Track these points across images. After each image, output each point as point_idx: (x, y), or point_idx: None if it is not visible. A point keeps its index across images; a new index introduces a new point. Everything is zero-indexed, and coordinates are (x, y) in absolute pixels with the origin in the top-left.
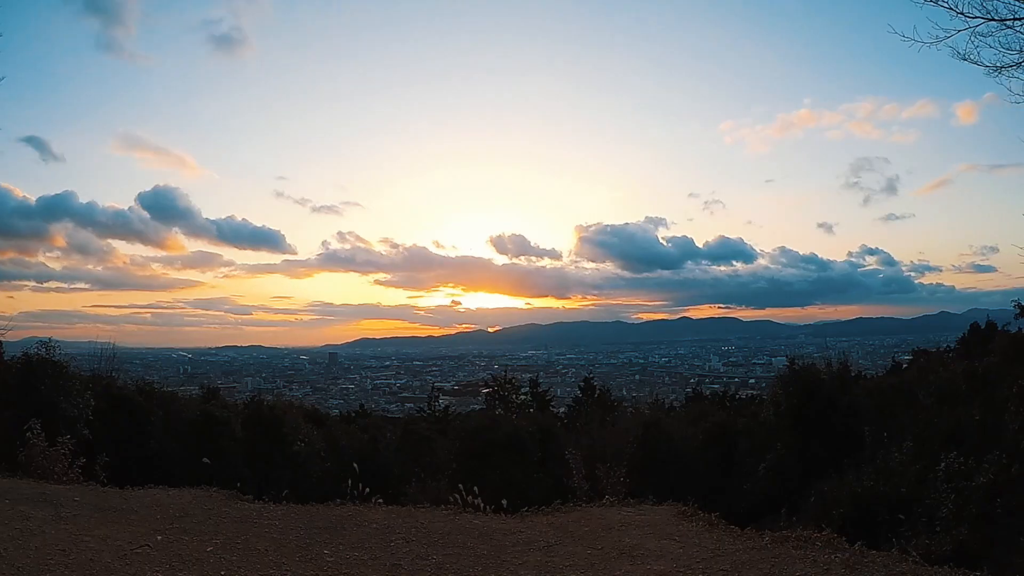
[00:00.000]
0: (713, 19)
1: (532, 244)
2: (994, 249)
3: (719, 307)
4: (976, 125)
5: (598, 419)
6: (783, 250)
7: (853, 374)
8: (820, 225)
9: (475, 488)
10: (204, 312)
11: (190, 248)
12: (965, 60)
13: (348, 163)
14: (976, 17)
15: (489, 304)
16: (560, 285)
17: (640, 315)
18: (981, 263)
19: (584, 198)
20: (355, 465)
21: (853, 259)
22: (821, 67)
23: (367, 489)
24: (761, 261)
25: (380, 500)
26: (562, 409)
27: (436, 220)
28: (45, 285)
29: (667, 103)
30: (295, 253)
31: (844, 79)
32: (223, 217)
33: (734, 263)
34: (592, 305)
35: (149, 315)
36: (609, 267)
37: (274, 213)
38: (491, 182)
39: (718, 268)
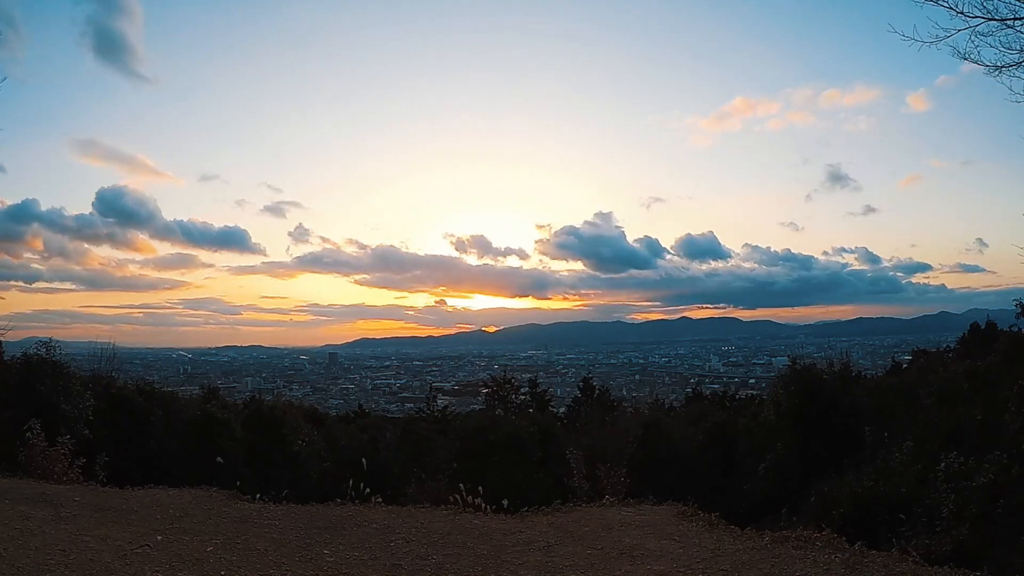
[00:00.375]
0: (636, 11)
1: (494, 245)
2: (981, 244)
3: (703, 307)
4: (931, 112)
5: (598, 419)
6: (755, 248)
7: (854, 374)
8: (787, 224)
9: (475, 488)
10: (195, 312)
11: (160, 250)
12: (965, 59)
13: (284, 164)
14: (976, 17)
15: (474, 305)
16: (538, 285)
17: (636, 315)
18: (967, 263)
19: (532, 195)
20: (363, 460)
21: (832, 257)
22: (754, 55)
23: (367, 489)
24: (734, 260)
25: (380, 500)
26: (562, 409)
27: (391, 221)
28: (33, 286)
29: (608, 98)
30: (265, 254)
31: (779, 66)
32: (184, 219)
33: (710, 261)
34: (576, 306)
35: (141, 315)
36: (580, 266)
37: (227, 215)
38: (435, 181)
39: (698, 267)
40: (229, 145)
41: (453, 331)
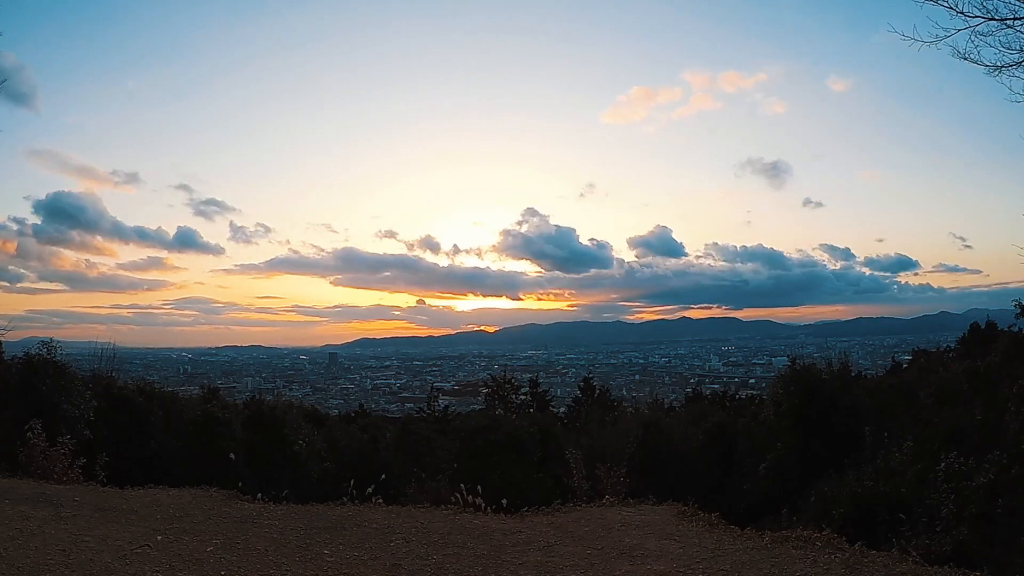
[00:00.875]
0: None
1: (443, 247)
2: (955, 237)
3: (690, 307)
4: (850, 91)
5: (598, 419)
6: (715, 245)
7: (853, 374)
8: (727, 218)
9: (475, 488)
10: (183, 312)
11: (123, 253)
12: (965, 59)
13: (212, 165)
14: (976, 16)
15: (457, 305)
16: (508, 285)
17: (632, 316)
18: (948, 262)
19: (456, 195)
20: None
21: (805, 255)
22: (637, 43)
23: (368, 490)
24: (695, 258)
25: (380, 500)
26: (562, 409)
27: (324, 221)
28: (18, 286)
29: (505, 96)
30: (227, 255)
31: (667, 51)
32: (132, 223)
33: (670, 259)
34: (551, 307)
35: (131, 315)
36: (543, 266)
37: (163, 216)
38: (357, 180)
39: (663, 264)
40: (153, 147)
41: (453, 331)
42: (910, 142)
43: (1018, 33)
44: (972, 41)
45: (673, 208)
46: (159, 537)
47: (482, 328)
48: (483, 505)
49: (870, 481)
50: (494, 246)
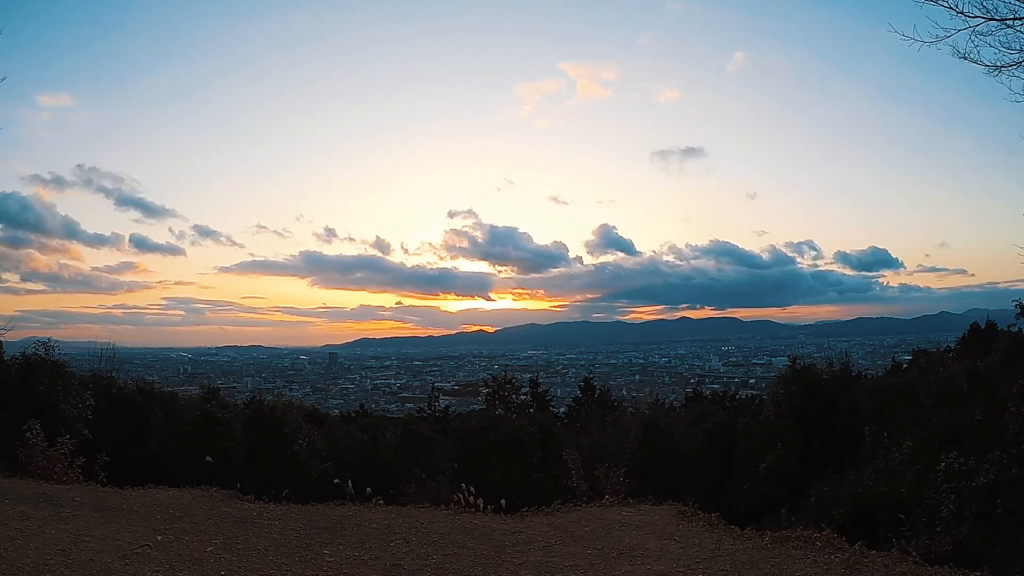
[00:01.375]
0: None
1: (393, 246)
2: (944, 243)
3: (693, 308)
4: (746, 71)
5: (598, 419)
6: (670, 244)
7: (853, 374)
8: (682, 216)
9: (475, 488)
10: (169, 313)
11: (87, 256)
12: (965, 59)
13: (146, 166)
14: (976, 16)
15: (443, 305)
16: (478, 285)
17: (630, 316)
18: (925, 264)
19: (387, 197)
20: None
21: (763, 250)
22: (501, 43)
23: (368, 489)
24: (666, 256)
25: (380, 500)
26: (562, 409)
27: (261, 222)
28: (2, 287)
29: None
30: (181, 254)
31: (534, 48)
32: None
33: (636, 257)
34: (541, 307)
35: (122, 315)
36: (501, 267)
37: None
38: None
39: (627, 265)
40: (75, 151)
41: (452, 331)
42: (842, 135)
43: (1018, 33)
44: (972, 41)
45: (598, 199)
46: (159, 537)
47: (482, 328)
48: (483, 505)
49: (870, 481)
50: (444, 243)
